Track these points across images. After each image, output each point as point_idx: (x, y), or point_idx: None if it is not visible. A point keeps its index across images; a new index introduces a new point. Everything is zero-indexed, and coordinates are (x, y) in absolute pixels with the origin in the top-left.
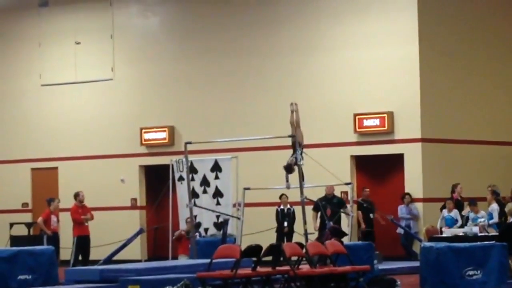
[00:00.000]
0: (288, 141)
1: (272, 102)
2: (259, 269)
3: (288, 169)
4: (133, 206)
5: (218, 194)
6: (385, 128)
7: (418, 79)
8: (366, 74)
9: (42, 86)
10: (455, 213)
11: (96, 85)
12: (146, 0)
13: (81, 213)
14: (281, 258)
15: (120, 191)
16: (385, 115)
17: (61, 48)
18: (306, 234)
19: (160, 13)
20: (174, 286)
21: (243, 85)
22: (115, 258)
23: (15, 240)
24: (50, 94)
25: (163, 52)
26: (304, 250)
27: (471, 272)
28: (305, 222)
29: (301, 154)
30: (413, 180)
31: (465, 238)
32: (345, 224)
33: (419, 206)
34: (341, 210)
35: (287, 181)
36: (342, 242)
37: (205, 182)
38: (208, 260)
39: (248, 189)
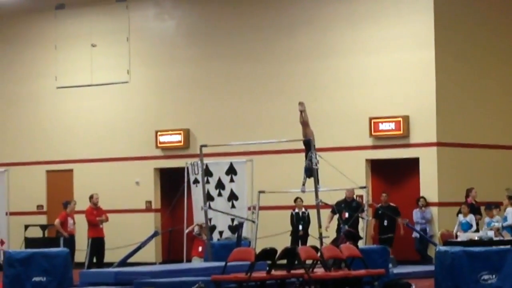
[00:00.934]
0: (303, 145)
1: (287, 105)
2: (273, 272)
3: (309, 172)
4: (148, 209)
5: (233, 197)
6: (401, 132)
7: (434, 83)
8: (382, 78)
9: (58, 89)
10: (470, 218)
11: (112, 88)
12: (163, 3)
13: (96, 215)
14: (296, 262)
15: (135, 193)
16: (401, 119)
17: (77, 51)
18: (321, 237)
19: (176, 16)
20: None
21: (258, 88)
22: (129, 260)
23: (30, 242)
24: (65, 96)
25: (179, 55)
26: (319, 254)
27: (486, 277)
28: (320, 226)
29: (316, 156)
30: (428, 184)
31: (480, 242)
32: (361, 228)
33: (434, 210)
34: (359, 215)
35: (304, 184)
36: (357, 246)
37: (220, 185)
38: (222, 263)
39: (263, 192)
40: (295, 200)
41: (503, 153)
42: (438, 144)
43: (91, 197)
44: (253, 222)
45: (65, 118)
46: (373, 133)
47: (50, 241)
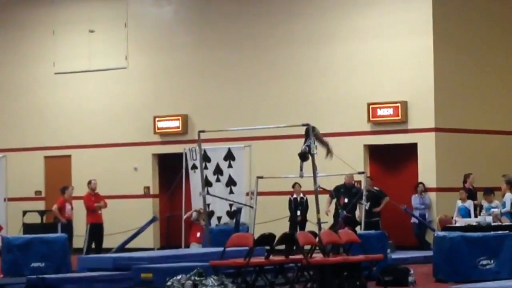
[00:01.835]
0: (301, 130)
1: (286, 91)
2: (272, 257)
3: (303, 156)
4: (146, 195)
5: (231, 182)
6: (399, 117)
7: (432, 69)
8: (380, 64)
9: (56, 75)
10: (469, 203)
11: (110, 74)
12: None
13: (94, 200)
14: (294, 247)
15: (133, 179)
16: (399, 104)
17: (75, 37)
18: (319, 223)
19: (174, 2)
20: (187, 274)
21: (256, 74)
22: (128, 246)
23: (28, 228)
24: (63, 82)
25: (177, 41)
26: (317, 239)
27: (484, 262)
28: (318, 211)
29: (314, 142)
30: (427, 169)
31: (478, 227)
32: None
33: (432, 195)
34: (358, 200)
35: (301, 170)
36: (355, 231)
37: (218, 171)
38: (221, 249)
39: (261, 177)
40: (293, 186)
41: (501, 138)
42: (436, 129)
43: (89, 183)
44: (251, 207)
45: (63, 104)
46: (371, 118)
47: (48, 227)
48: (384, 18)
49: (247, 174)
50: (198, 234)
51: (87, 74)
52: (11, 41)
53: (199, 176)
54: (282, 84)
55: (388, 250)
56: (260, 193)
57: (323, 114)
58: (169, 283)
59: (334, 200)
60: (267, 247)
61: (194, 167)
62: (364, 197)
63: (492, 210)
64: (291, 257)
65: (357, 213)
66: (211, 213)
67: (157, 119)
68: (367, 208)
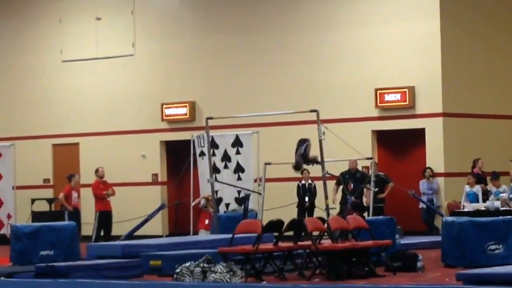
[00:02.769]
0: (309, 116)
1: (294, 77)
2: (280, 244)
3: (297, 167)
4: (154, 182)
5: (239, 169)
6: (407, 102)
7: (439, 53)
8: (387, 49)
9: (63, 62)
10: (477, 188)
11: (117, 61)
12: None
13: (103, 188)
14: (303, 233)
15: (141, 166)
16: (406, 89)
17: (82, 24)
18: (327, 209)
19: None
20: (196, 261)
21: (264, 60)
22: (136, 233)
23: (36, 216)
24: (71, 70)
25: (184, 28)
26: (325, 225)
27: (492, 247)
28: (326, 197)
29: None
30: (435, 154)
31: (487, 212)
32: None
33: (440, 180)
34: (364, 185)
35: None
36: (363, 217)
37: (226, 158)
38: (229, 235)
39: (269, 164)
40: (302, 172)
41: (509, 123)
42: (444, 114)
43: (96, 171)
44: (260, 194)
45: (70, 92)
46: (379, 104)
47: (57, 215)
48: (391, 3)
49: (255, 161)
50: (207, 221)
51: (94, 61)
52: (19, 29)
53: (207, 163)
54: (290, 70)
55: (397, 236)
56: (268, 179)
57: (331, 100)
58: (178, 270)
59: (341, 187)
60: (276, 234)
61: (202, 154)
62: (372, 183)
63: (501, 195)
64: (299, 243)
65: (364, 199)
66: (219, 200)
67: (164, 106)
68: (375, 190)
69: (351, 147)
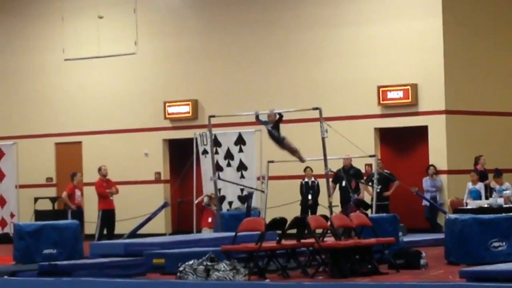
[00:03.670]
0: (312, 114)
1: (296, 75)
2: (284, 242)
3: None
4: (157, 180)
5: (242, 167)
6: (409, 100)
7: (442, 51)
8: (389, 47)
9: (66, 61)
10: (480, 186)
11: (119, 59)
12: None
13: (106, 187)
14: (306, 231)
15: (144, 165)
16: (409, 87)
17: (84, 23)
18: (330, 206)
19: None
20: (199, 259)
21: (266, 58)
22: (139, 232)
23: (39, 215)
24: (73, 68)
25: (186, 26)
26: (328, 223)
27: (496, 244)
28: (329, 195)
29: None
30: (437, 152)
31: (490, 209)
32: (364, 195)
33: (443, 178)
34: (359, 181)
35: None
36: (366, 214)
37: (229, 156)
38: (232, 234)
39: (272, 162)
40: (305, 170)
41: (511, 120)
42: (447, 112)
43: (99, 169)
44: (263, 192)
45: (73, 90)
46: (381, 101)
47: (60, 214)
48: (394, 0)
49: (258, 159)
50: (210, 219)
51: (97, 60)
52: (21, 28)
53: (210, 161)
54: (292, 68)
55: (400, 233)
56: (271, 177)
57: (333, 98)
58: (181, 268)
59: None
60: (279, 232)
61: (204, 152)
62: (375, 180)
63: (504, 192)
64: (302, 241)
65: (361, 195)
66: (223, 198)
67: (167, 104)
68: (378, 190)
69: (354, 145)
